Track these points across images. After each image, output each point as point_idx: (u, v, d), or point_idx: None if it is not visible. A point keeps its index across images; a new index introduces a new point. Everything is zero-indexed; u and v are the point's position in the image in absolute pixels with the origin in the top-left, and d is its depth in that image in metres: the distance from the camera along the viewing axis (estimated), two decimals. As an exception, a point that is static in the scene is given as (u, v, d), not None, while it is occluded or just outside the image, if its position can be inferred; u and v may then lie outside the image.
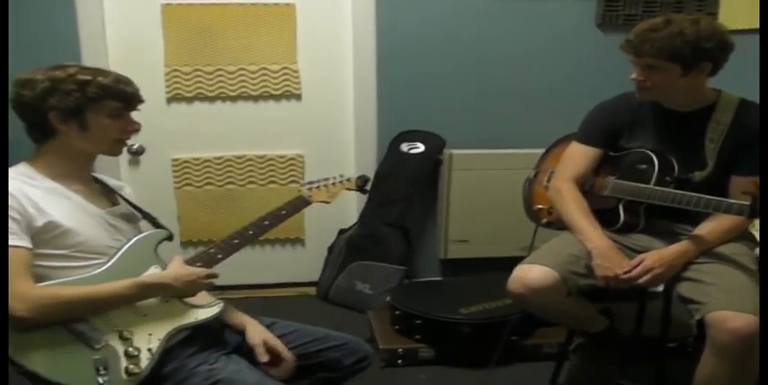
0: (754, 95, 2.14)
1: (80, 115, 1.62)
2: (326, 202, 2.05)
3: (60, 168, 1.66)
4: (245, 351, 1.78)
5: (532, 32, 3.45)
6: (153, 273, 1.68)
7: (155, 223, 1.87)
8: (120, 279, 1.60)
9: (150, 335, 1.60)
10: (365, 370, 1.93)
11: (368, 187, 2.22)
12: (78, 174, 1.71)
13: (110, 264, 1.65)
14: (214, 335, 1.79)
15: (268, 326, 1.86)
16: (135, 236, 1.76)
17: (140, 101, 1.72)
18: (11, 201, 1.52)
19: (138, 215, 1.86)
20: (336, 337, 1.91)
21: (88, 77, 1.62)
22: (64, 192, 1.64)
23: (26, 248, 1.52)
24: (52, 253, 1.58)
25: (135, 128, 1.73)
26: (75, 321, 1.52)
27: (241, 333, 1.82)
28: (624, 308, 2.55)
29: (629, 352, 2.45)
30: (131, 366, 1.53)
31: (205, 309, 1.72)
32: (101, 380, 1.49)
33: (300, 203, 1.98)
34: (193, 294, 1.70)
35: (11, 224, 1.50)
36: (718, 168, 2.10)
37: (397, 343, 2.85)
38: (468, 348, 2.80)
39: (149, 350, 1.58)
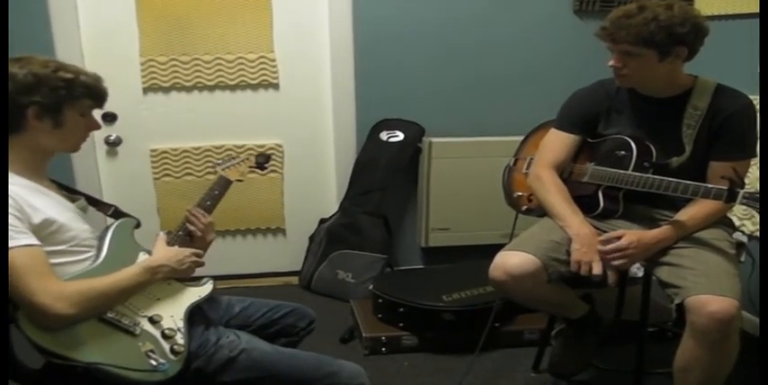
0: (729, 80, 2.16)
1: (56, 113, 1.60)
2: (240, 181, 2.13)
3: (26, 165, 1.62)
4: (232, 325, 1.90)
5: (509, 20, 3.45)
6: (152, 258, 1.71)
7: (117, 212, 1.87)
8: (120, 268, 1.62)
9: (172, 316, 1.66)
10: (313, 331, 2.10)
11: (267, 165, 2.33)
12: (41, 170, 1.68)
13: (103, 255, 1.65)
14: (204, 313, 1.85)
15: (227, 305, 1.98)
16: (95, 227, 1.76)
17: (107, 99, 1.72)
18: (9, 204, 1.49)
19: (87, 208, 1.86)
20: (285, 305, 2.06)
21: (72, 75, 1.60)
22: (40, 189, 1.62)
23: (40, 246, 1.50)
24: (52, 250, 1.55)
25: (97, 126, 1.74)
26: (106, 313, 1.54)
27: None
28: (604, 293, 2.58)
29: (609, 337, 2.47)
30: (175, 346, 1.60)
31: (202, 287, 1.80)
32: (154, 362, 1.53)
33: (224, 182, 2.06)
34: (190, 273, 1.77)
35: (18, 224, 1.48)
36: (695, 153, 2.12)
37: (381, 331, 2.86)
38: (450, 335, 2.82)
39: (179, 329, 1.64)
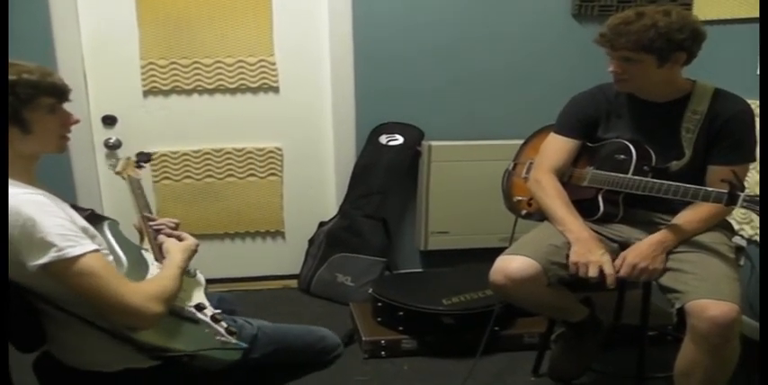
0: (727, 84, 2.17)
1: (18, 119, 1.50)
2: (138, 178, 2.13)
3: (25, 174, 1.57)
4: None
5: (509, 24, 3.45)
6: (176, 256, 1.70)
7: (95, 216, 1.82)
8: (142, 268, 1.68)
9: (203, 302, 1.73)
10: None
11: (146, 163, 2.31)
12: (33, 177, 1.62)
13: (123, 257, 1.64)
14: None
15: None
16: None
17: (70, 90, 1.62)
18: (55, 208, 1.45)
19: None
20: (212, 295, 2.07)
21: (13, 77, 1.48)
22: (49, 196, 1.56)
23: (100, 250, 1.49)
24: None
25: (74, 120, 1.64)
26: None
27: None
28: (604, 297, 2.58)
29: (609, 341, 2.47)
30: (229, 327, 1.67)
31: (198, 277, 1.86)
32: (232, 340, 1.64)
33: (138, 181, 2.07)
34: None
35: (75, 229, 1.44)
36: (695, 157, 2.13)
37: (380, 334, 2.86)
38: (450, 339, 2.82)
39: (220, 314, 1.71)
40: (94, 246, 1.45)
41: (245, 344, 1.66)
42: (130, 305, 1.42)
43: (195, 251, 1.79)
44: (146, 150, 2.47)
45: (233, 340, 1.64)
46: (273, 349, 1.81)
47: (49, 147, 1.61)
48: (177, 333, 1.58)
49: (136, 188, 2.02)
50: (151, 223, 1.88)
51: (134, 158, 2.21)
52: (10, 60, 1.54)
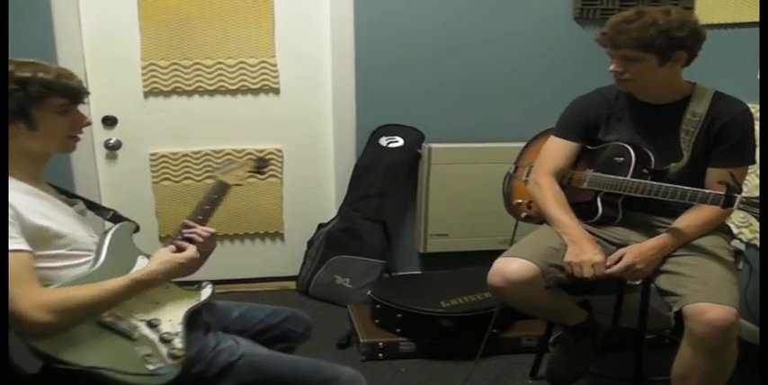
0: (728, 88, 2.17)
1: (26, 115, 1.53)
2: (239, 185, 2.08)
3: (24, 169, 1.59)
4: (231, 329, 1.87)
5: (510, 27, 3.46)
6: (142, 270, 1.65)
7: (116, 216, 1.85)
8: (118, 273, 1.60)
9: (171, 320, 1.64)
10: (309, 338, 2.07)
11: (265, 169, 2.28)
12: (37, 173, 1.64)
13: (102, 259, 1.63)
14: (203, 318, 1.82)
15: (226, 310, 1.94)
16: (94, 231, 1.74)
17: (86, 93, 1.64)
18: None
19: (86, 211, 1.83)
20: (282, 310, 2.05)
21: (28, 74, 1.52)
22: (38, 193, 1.60)
23: (28, 252, 1.47)
24: (51, 253, 1.54)
25: (86, 122, 1.66)
26: (94, 320, 1.52)
27: None
28: (602, 300, 2.58)
29: (607, 344, 2.47)
30: (173, 350, 1.58)
31: (201, 291, 1.78)
32: (152, 366, 1.52)
33: (223, 187, 1.99)
34: (189, 273, 1.73)
35: (9, 228, 1.45)
36: (693, 160, 2.13)
37: (378, 336, 2.85)
38: (448, 341, 2.82)
39: (177, 334, 1.62)
40: (15, 247, 1.44)
41: (164, 371, 1.53)
42: (15, 309, 1.40)
43: (182, 264, 1.68)
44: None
45: (158, 365, 1.53)
46: (253, 380, 1.69)
47: (54, 146, 1.63)
48: (88, 345, 1.48)
49: (213, 192, 1.94)
50: (184, 230, 1.81)
51: (253, 163, 2.19)
52: (32, 60, 1.57)
